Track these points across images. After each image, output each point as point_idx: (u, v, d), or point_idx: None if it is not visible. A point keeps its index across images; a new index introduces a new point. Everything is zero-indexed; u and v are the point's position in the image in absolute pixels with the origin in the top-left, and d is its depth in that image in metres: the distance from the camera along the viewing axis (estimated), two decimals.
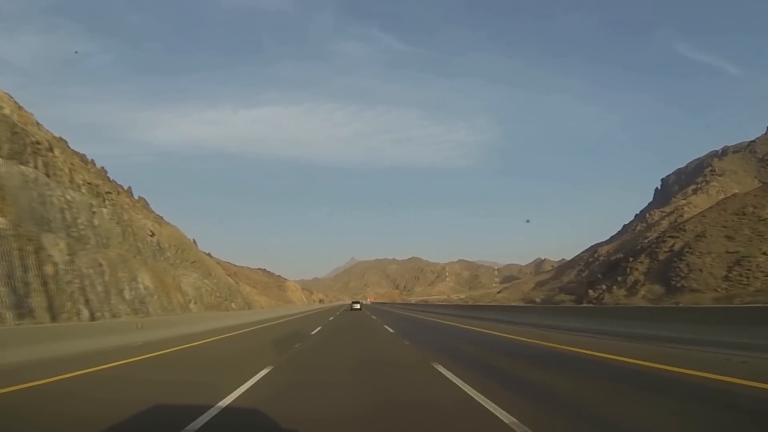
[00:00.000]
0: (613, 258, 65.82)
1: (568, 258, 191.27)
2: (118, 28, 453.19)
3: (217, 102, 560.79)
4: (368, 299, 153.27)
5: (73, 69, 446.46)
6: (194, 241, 52.70)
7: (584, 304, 40.40)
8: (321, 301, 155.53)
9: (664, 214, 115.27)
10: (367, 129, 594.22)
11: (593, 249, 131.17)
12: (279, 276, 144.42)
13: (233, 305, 45.06)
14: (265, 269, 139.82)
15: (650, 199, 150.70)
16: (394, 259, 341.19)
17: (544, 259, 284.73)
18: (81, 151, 34.40)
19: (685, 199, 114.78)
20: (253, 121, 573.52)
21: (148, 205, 43.83)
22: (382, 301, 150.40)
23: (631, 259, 47.15)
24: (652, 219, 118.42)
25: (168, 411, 4.83)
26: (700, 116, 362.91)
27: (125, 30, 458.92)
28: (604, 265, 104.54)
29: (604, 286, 47.25)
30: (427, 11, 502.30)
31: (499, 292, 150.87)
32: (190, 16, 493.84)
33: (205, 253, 59.62)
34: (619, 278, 45.39)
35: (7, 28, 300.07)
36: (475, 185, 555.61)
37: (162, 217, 43.78)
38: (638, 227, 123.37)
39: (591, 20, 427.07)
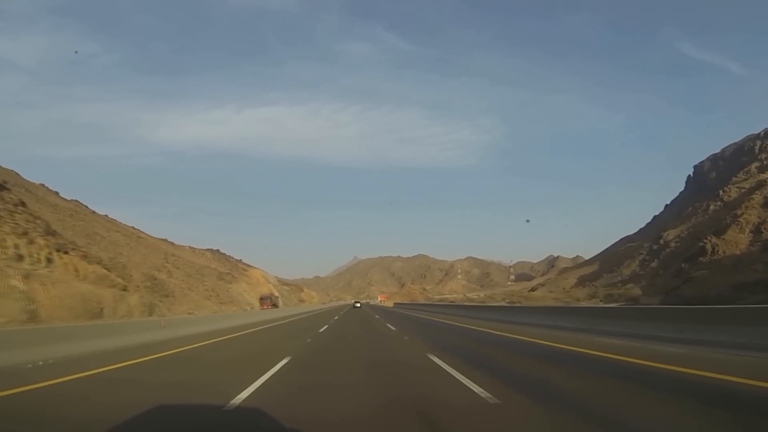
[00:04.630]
0: None
1: (586, 256, 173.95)
2: (123, 28, 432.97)
3: (222, 102, 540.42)
4: (379, 299, 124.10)
5: (77, 69, 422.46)
6: None
7: None
8: (266, 299, 72.65)
9: (743, 190, 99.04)
10: (371, 129, 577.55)
11: (656, 235, 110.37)
12: (239, 261, 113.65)
13: None
14: (218, 250, 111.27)
15: (681, 188, 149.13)
16: (399, 256, 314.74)
17: (558, 257, 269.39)
18: None
19: (762, 173, 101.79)
20: (258, 121, 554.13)
21: None
22: (402, 301, 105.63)
23: None
24: (729, 197, 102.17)
25: None
26: (703, 115, 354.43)
27: (130, 30, 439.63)
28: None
29: None
30: (433, 11, 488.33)
31: (532, 290, 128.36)
32: (194, 16, 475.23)
33: None
34: None
35: (12, 28, 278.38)
36: (480, 184, 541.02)
37: None
38: (711, 206, 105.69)
39: (595, 20, 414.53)
